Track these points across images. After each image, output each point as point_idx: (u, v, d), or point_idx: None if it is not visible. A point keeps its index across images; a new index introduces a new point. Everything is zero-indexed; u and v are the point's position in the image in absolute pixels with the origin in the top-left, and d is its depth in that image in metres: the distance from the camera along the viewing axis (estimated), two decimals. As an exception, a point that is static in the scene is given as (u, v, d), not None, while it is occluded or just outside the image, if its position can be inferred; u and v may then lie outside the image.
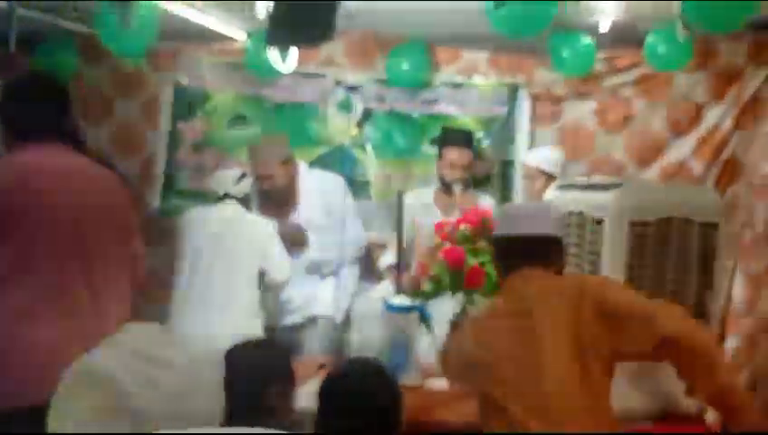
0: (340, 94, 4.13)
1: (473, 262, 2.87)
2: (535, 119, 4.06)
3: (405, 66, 3.97)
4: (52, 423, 1.26)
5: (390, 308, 2.99)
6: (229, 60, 4.09)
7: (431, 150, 4.02)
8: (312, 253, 3.64)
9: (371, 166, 4.13)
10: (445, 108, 4.07)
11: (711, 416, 2.44)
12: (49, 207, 2.28)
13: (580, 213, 2.55)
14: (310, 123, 4.15)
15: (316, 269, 3.70)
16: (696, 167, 3.84)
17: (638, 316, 1.89)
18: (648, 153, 3.95)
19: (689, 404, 2.40)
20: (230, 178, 3.49)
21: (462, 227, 2.95)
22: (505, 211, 2.27)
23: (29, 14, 3.50)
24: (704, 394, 1.90)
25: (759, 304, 3.44)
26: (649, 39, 3.50)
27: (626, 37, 3.65)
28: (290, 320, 3.66)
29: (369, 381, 1.89)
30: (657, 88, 3.89)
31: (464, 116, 4.07)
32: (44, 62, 3.96)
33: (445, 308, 3.62)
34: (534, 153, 3.85)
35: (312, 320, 3.69)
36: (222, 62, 4.12)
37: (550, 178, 3.65)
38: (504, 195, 4.05)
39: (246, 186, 3.50)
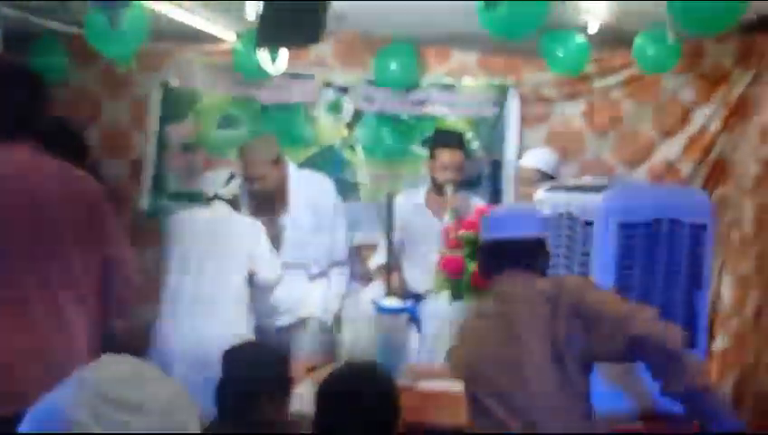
0: (330, 95, 4.12)
1: (473, 266, 2.89)
2: (524, 120, 4.07)
3: (393, 67, 3.97)
4: None
5: (381, 310, 3.00)
6: (218, 61, 4.07)
7: (421, 151, 4.02)
8: (299, 253, 3.63)
9: (361, 167, 4.13)
10: (434, 109, 4.07)
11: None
12: None
13: (570, 214, 2.56)
14: (299, 124, 4.13)
15: (304, 269, 3.69)
16: (685, 167, 3.86)
17: (610, 317, 1.94)
18: (637, 154, 3.97)
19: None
20: (219, 179, 3.49)
21: (461, 232, 2.98)
22: (488, 215, 2.28)
23: (17, 14, 3.48)
24: (675, 394, 1.93)
25: (747, 305, 3.46)
26: (638, 41, 3.51)
27: (614, 39, 3.66)
28: (280, 321, 3.66)
29: (368, 385, 1.90)
30: (645, 89, 3.90)
31: (453, 117, 4.07)
32: (34, 64, 3.93)
33: (436, 310, 3.65)
34: (532, 155, 3.83)
35: (302, 321, 3.69)
36: (211, 63, 4.11)
37: (547, 179, 3.65)
38: (494, 196, 4.05)
39: (235, 187, 3.50)
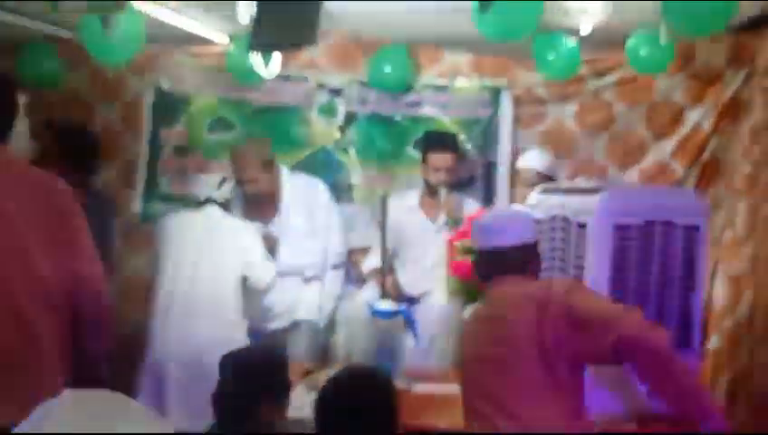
0: (323, 97, 4.11)
1: None
2: (517, 121, 4.07)
3: (387, 69, 3.96)
4: None
5: (376, 313, 2.99)
6: (211, 63, 4.06)
7: (414, 153, 4.02)
8: (293, 257, 3.63)
9: (354, 169, 4.12)
10: (427, 110, 4.07)
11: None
12: None
13: (565, 217, 2.56)
14: (292, 127, 4.12)
15: (298, 273, 3.68)
16: (677, 168, 3.87)
17: (597, 319, 1.96)
18: (630, 155, 3.97)
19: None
20: (211, 182, 3.47)
21: (457, 242, 2.99)
22: (478, 224, 2.30)
23: (8, 18, 3.46)
24: (662, 396, 1.95)
25: (740, 305, 3.47)
26: (631, 42, 3.52)
27: (607, 40, 3.67)
28: (274, 324, 3.65)
29: (369, 390, 1.90)
30: (638, 90, 3.90)
31: (446, 118, 4.07)
32: (27, 68, 3.92)
33: (430, 312, 3.65)
34: (530, 156, 3.82)
35: (297, 325, 3.68)
36: (203, 65, 4.10)
37: (545, 180, 3.65)
38: (488, 197, 4.05)
39: (228, 190, 3.49)
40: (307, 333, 3.67)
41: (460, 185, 3.98)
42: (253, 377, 2.14)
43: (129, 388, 3.27)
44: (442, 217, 3.70)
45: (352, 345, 3.38)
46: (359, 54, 4.07)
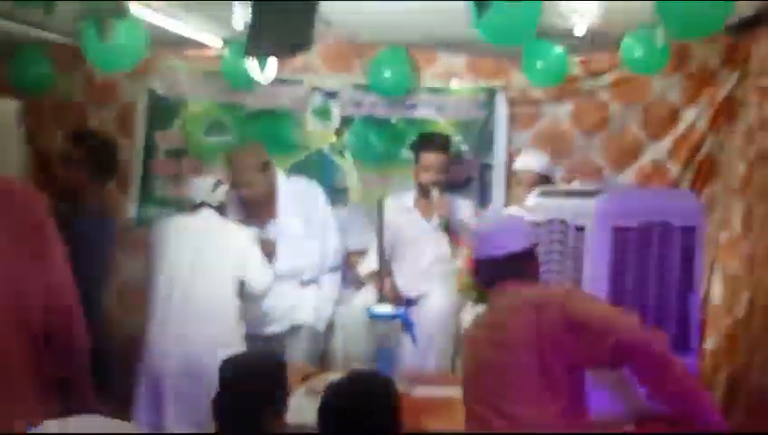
0: (318, 100, 4.11)
1: None
2: (513, 122, 4.07)
3: (387, 74, 3.95)
4: None
5: (374, 316, 2.99)
6: (205, 67, 4.05)
7: (410, 155, 4.01)
8: (290, 261, 3.62)
9: (350, 172, 4.11)
10: (423, 112, 4.07)
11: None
12: None
13: (563, 220, 2.57)
14: (287, 130, 4.12)
15: (295, 277, 3.67)
16: (673, 168, 3.88)
17: (596, 324, 1.98)
18: (625, 155, 3.98)
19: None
20: (206, 185, 3.44)
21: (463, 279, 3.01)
22: (474, 233, 2.31)
23: (1, 23, 3.45)
24: (661, 397, 1.98)
25: (737, 304, 3.48)
26: (626, 42, 3.53)
27: (602, 41, 3.67)
28: (271, 329, 3.64)
29: (373, 397, 1.90)
30: (633, 90, 3.91)
31: (442, 120, 4.07)
32: (19, 72, 3.91)
33: (428, 314, 3.65)
34: (528, 157, 3.81)
35: (294, 328, 3.67)
36: (198, 69, 4.08)
37: (544, 181, 3.65)
38: (484, 198, 4.05)
39: (222, 193, 3.46)
40: (305, 337, 3.66)
41: (456, 186, 3.98)
42: (252, 383, 2.14)
43: (126, 395, 3.26)
44: (436, 218, 3.70)
45: (350, 349, 3.38)
46: (353, 57, 4.06)
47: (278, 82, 3.93)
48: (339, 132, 4.11)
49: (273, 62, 3.30)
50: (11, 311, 1.98)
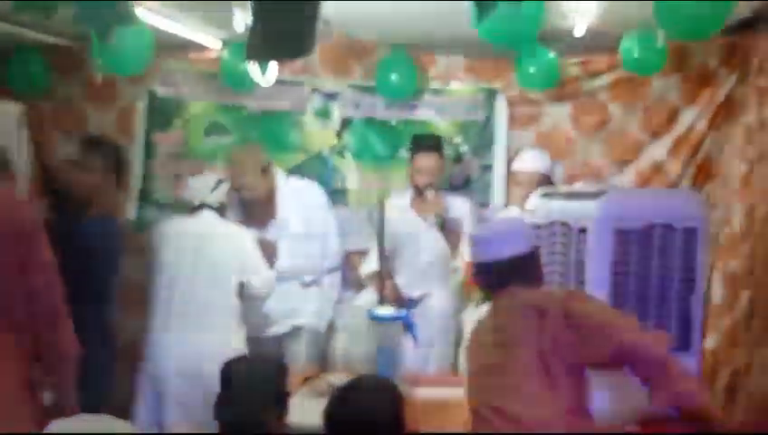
0: (318, 102, 4.11)
1: None
2: (513, 122, 4.07)
3: (394, 77, 3.95)
4: None
5: (375, 318, 2.99)
6: (204, 69, 4.05)
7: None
8: (290, 262, 3.62)
9: (350, 173, 4.11)
10: (423, 113, 4.07)
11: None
12: None
13: (564, 222, 2.57)
14: (287, 131, 4.12)
15: (296, 278, 3.67)
16: (672, 168, 3.88)
17: (597, 327, 2.00)
18: (625, 155, 3.99)
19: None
20: (206, 185, 3.43)
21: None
22: (473, 237, 2.31)
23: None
24: (663, 398, 1.98)
25: (738, 304, 3.48)
26: (625, 43, 3.54)
27: (601, 41, 3.67)
28: (273, 330, 3.64)
29: (378, 402, 1.90)
30: (632, 91, 3.92)
31: (442, 121, 4.08)
32: (16, 75, 3.90)
33: (430, 315, 3.65)
34: (530, 158, 3.81)
35: (296, 330, 3.67)
36: (197, 70, 4.08)
37: (545, 181, 3.65)
38: (484, 199, 4.06)
39: (222, 193, 3.45)
40: (306, 339, 3.67)
41: (456, 187, 3.98)
42: (254, 385, 2.14)
43: (127, 397, 3.26)
44: (432, 218, 3.70)
45: (352, 350, 3.38)
46: (352, 58, 4.07)
47: (278, 83, 3.92)
48: (339, 133, 4.11)
49: (273, 65, 3.29)
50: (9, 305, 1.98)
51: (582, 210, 2.49)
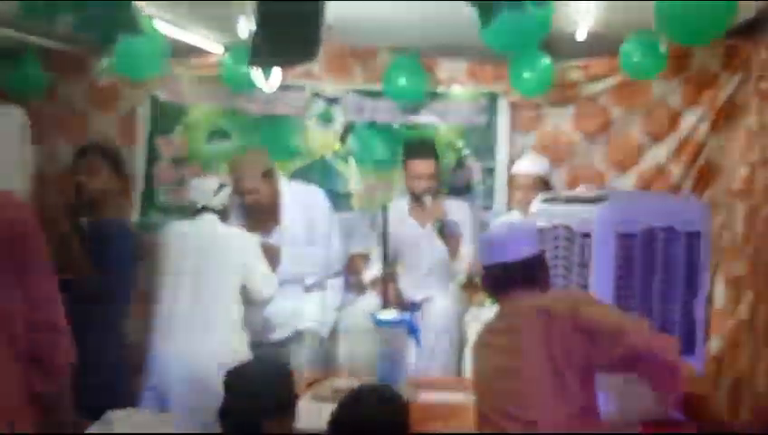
0: (320, 106, 4.12)
1: None
2: (514, 126, 4.08)
3: (402, 81, 3.96)
4: None
5: (378, 322, 2.99)
6: (207, 73, 4.05)
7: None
8: (293, 266, 3.62)
9: (353, 177, 4.12)
10: (425, 118, 4.08)
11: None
12: None
13: (567, 226, 2.57)
14: (289, 136, 4.13)
15: (299, 282, 3.68)
16: (674, 171, 3.89)
17: (607, 330, 1.98)
18: (626, 159, 3.99)
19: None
20: (209, 189, 3.42)
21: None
22: (480, 240, 2.31)
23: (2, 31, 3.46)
24: (670, 401, 1.98)
25: (740, 306, 3.49)
26: (625, 47, 3.54)
27: (603, 45, 3.68)
28: (276, 335, 3.64)
29: (382, 412, 1.90)
30: (634, 94, 3.92)
31: (444, 126, 4.08)
32: (19, 80, 3.91)
33: (434, 318, 3.66)
34: (529, 162, 3.81)
35: (299, 334, 3.67)
36: (200, 75, 4.09)
37: (544, 185, 3.65)
38: (487, 203, 4.06)
39: (225, 197, 3.44)
40: (309, 343, 3.66)
41: (457, 191, 3.99)
42: (259, 392, 2.14)
43: (130, 401, 3.25)
44: (430, 224, 3.69)
45: (355, 354, 3.38)
46: (354, 63, 4.08)
47: (280, 87, 3.94)
48: (341, 138, 4.12)
49: (277, 71, 3.30)
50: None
51: (584, 214, 2.50)
